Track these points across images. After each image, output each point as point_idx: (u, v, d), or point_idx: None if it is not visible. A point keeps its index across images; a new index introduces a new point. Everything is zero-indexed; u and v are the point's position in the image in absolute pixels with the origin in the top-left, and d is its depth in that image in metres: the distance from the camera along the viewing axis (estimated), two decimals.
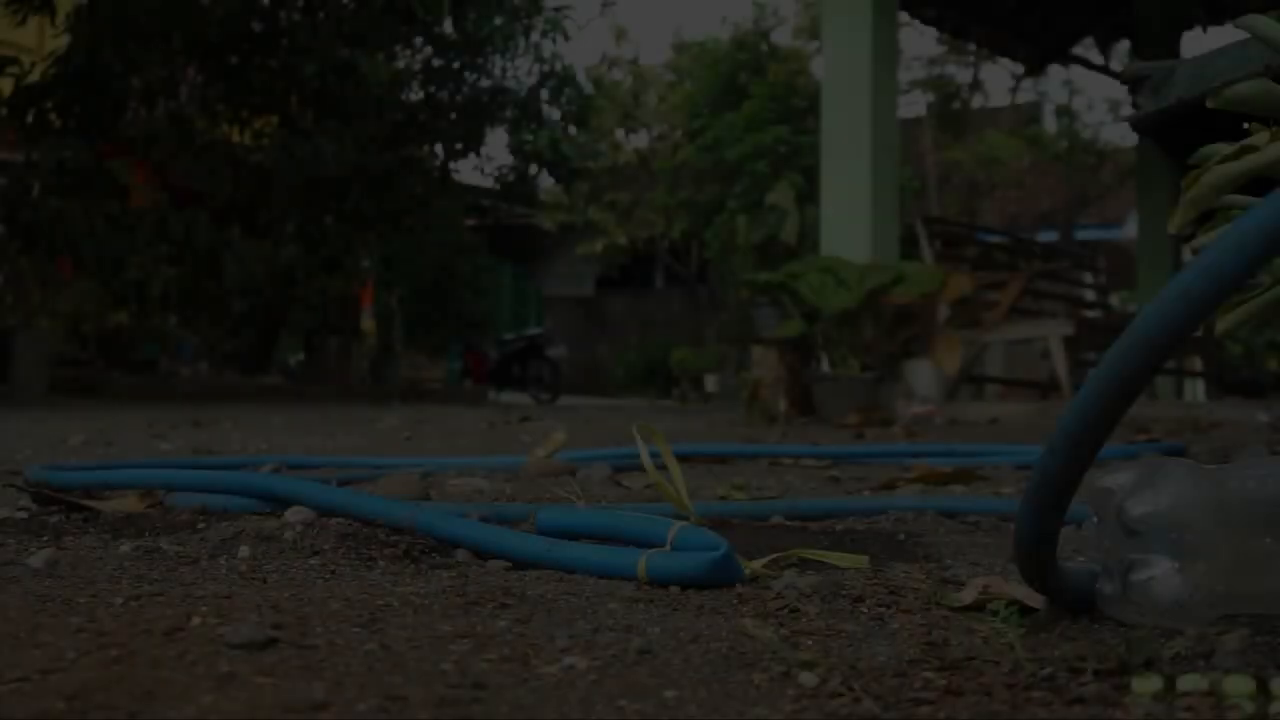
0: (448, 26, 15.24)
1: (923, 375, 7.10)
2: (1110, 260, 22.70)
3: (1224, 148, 1.59)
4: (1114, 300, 13.90)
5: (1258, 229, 0.84)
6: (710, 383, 19.60)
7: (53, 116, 11.35)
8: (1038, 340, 8.60)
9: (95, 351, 14.34)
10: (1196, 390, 11.59)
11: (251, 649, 0.97)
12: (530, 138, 16.38)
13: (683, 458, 3.31)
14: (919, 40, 32.75)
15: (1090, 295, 10.79)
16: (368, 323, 17.85)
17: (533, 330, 19.70)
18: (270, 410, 8.67)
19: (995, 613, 1.15)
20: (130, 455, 3.46)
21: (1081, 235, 24.07)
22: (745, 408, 6.88)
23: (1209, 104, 1.64)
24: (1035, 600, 1.16)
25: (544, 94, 16.38)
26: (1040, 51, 12.73)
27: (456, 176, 16.66)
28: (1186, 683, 0.87)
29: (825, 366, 7.06)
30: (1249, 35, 1.74)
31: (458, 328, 18.65)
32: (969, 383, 9.14)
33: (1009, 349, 13.80)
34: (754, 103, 18.32)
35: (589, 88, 18.89)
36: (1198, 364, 10.20)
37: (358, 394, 13.38)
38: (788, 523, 1.93)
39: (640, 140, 23.53)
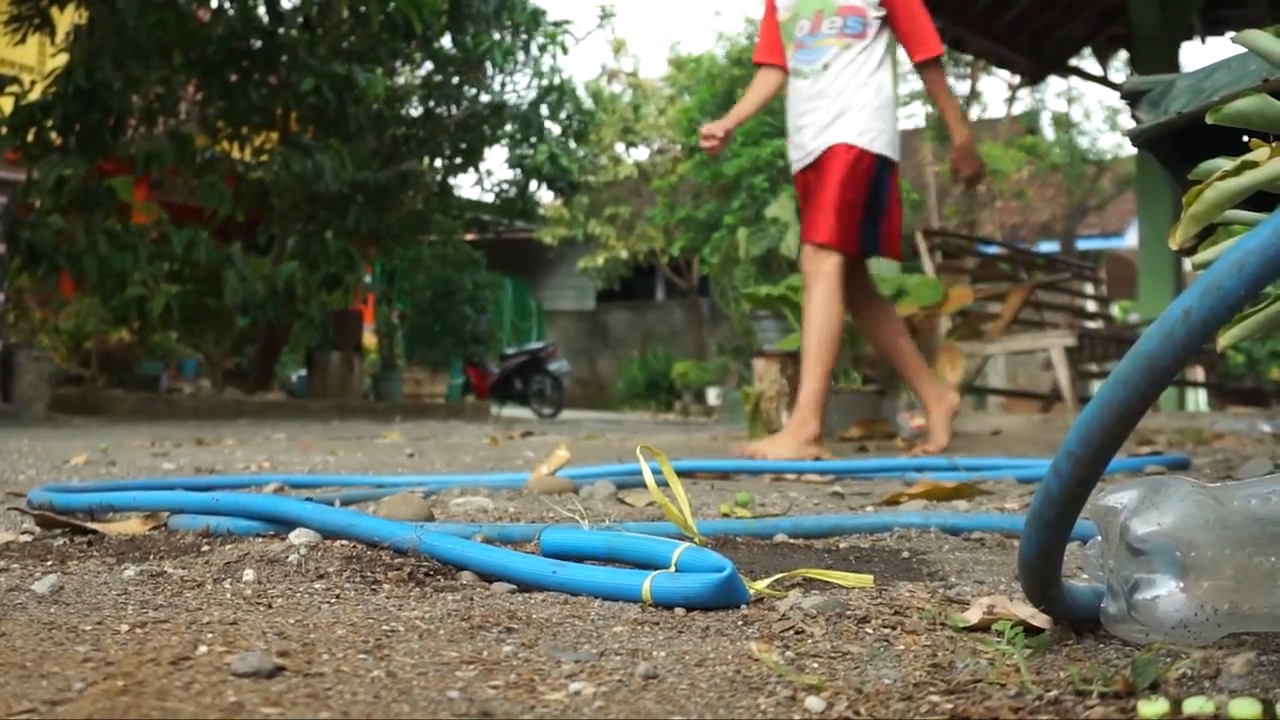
0: (447, 42, 15.28)
1: None
2: (1111, 270, 22.75)
3: (1224, 163, 1.59)
4: (1115, 310, 13.91)
5: (1258, 250, 0.84)
6: (712, 396, 19.61)
7: (53, 135, 11.37)
8: (1040, 351, 8.60)
9: (97, 369, 14.35)
10: (1199, 400, 11.59)
11: (258, 678, 0.97)
12: (530, 152, 16.41)
13: (685, 473, 3.32)
14: None
15: (1092, 306, 10.81)
16: (369, 339, 17.86)
17: (534, 345, 19.71)
18: (273, 427, 8.67)
19: (1001, 633, 1.15)
20: (133, 475, 3.46)
21: (1082, 245, 24.10)
22: (748, 421, 6.87)
23: (1208, 119, 1.64)
24: (1040, 620, 1.16)
25: (543, 108, 16.41)
26: (1038, 63, 12.75)
27: (456, 192, 16.70)
28: (1192, 705, 0.87)
29: None
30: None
31: (459, 343, 18.66)
32: (971, 394, 9.14)
33: (1011, 360, 13.82)
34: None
35: (588, 102, 18.92)
36: (1200, 374, 10.20)
37: (360, 410, 13.38)
38: (792, 541, 1.93)
39: (640, 154, 23.58)
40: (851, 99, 4.64)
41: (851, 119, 4.64)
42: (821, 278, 4.62)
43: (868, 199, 4.65)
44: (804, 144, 4.81)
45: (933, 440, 4.80)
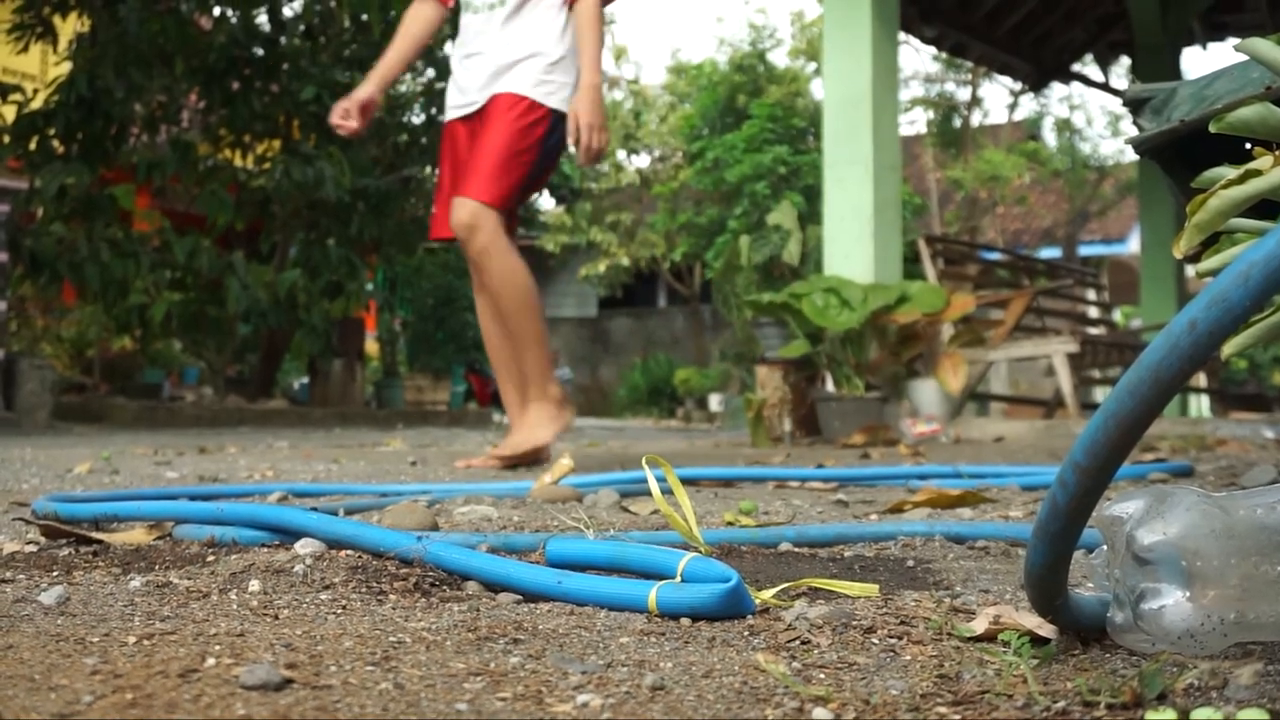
0: (448, 49, 15.31)
1: (927, 394, 7.10)
2: (1113, 276, 22.74)
3: (1228, 171, 1.59)
4: (1117, 316, 13.91)
5: (1263, 261, 0.84)
6: (714, 403, 19.61)
7: (55, 143, 11.40)
8: (1042, 358, 8.60)
9: (99, 377, 14.36)
10: (1202, 406, 11.59)
11: (267, 690, 0.97)
12: None
13: (689, 481, 3.32)
14: (916, 57, 32.77)
15: (1094, 312, 10.80)
16: (371, 346, 17.87)
17: None
18: (275, 435, 8.68)
19: (1007, 643, 1.15)
20: (136, 484, 3.46)
21: (1085, 251, 24.10)
22: (750, 428, 6.88)
23: (1211, 128, 1.65)
24: (1047, 630, 1.16)
25: None
26: (1040, 69, 12.76)
27: None
28: (1200, 716, 0.87)
29: (830, 386, 7.07)
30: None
31: (461, 350, 18.67)
32: (974, 401, 9.14)
33: (1013, 367, 13.81)
34: (754, 123, 18.37)
35: None
36: (1203, 380, 10.19)
37: (362, 417, 13.39)
38: (796, 549, 1.93)
39: (642, 161, 23.60)
40: (533, 44, 4.18)
41: (529, 67, 4.17)
42: (493, 246, 4.13)
43: (536, 159, 4.20)
44: (468, 88, 4.25)
45: (511, 441, 4.25)
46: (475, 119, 4.24)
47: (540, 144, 4.19)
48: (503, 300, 4.21)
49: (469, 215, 4.10)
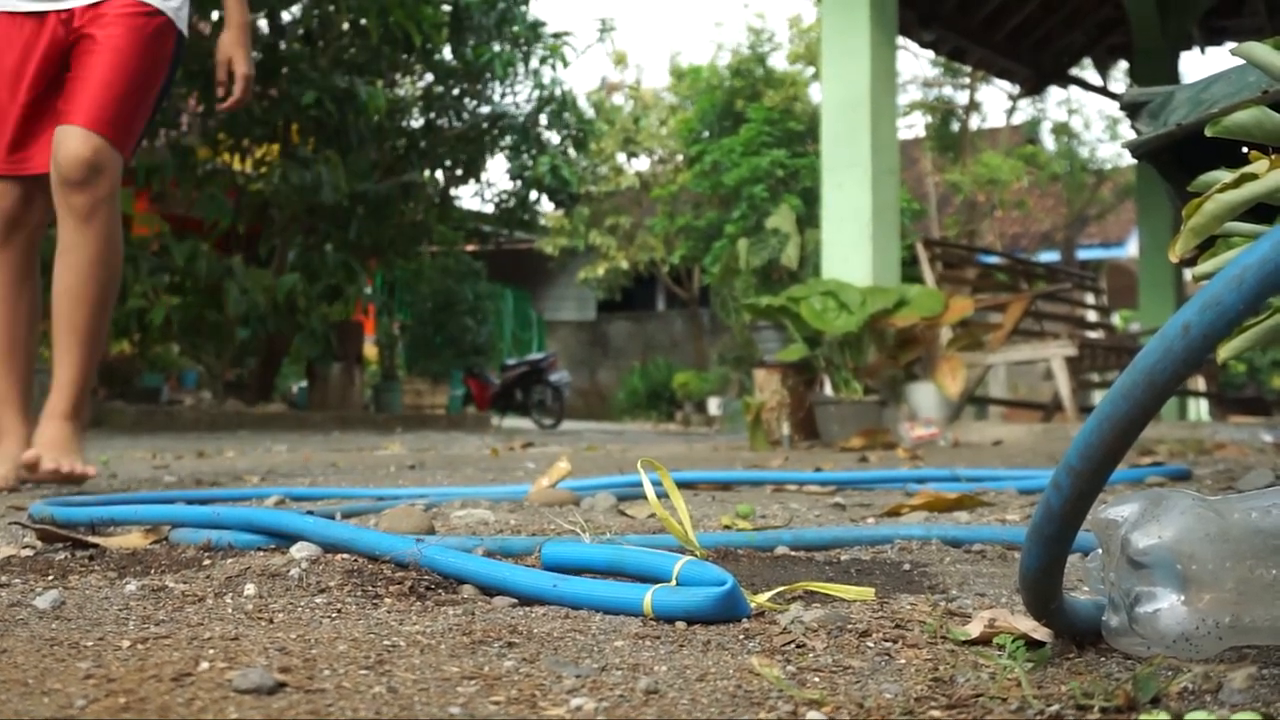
0: (447, 54, 15.32)
1: (926, 397, 7.10)
2: (1112, 280, 22.73)
3: (1224, 175, 1.59)
4: (1116, 320, 13.91)
5: (1257, 265, 0.84)
6: (713, 406, 19.62)
7: None
8: (1040, 361, 8.60)
9: (98, 382, 14.35)
10: (1200, 409, 11.59)
11: (260, 694, 0.97)
12: (530, 163, 16.43)
13: (686, 485, 3.32)
14: (915, 62, 32.85)
15: (1092, 316, 10.81)
16: (370, 350, 17.86)
17: (535, 355, 19.72)
18: (274, 439, 8.67)
19: (1002, 647, 1.15)
20: (134, 488, 3.46)
21: (1083, 255, 24.10)
22: (749, 431, 6.88)
23: (1208, 132, 1.65)
24: (1042, 634, 1.16)
25: (543, 119, 16.44)
26: (1038, 73, 12.77)
27: (457, 202, 16.71)
28: (1194, 719, 0.87)
29: (828, 390, 7.07)
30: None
31: (460, 354, 18.65)
32: (972, 404, 9.14)
33: (1012, 370, 13.81)
34: (751, 127, 18.37)
35: (590, 112, 18.94)
36: (1201, 383, 10.20)
37: (360, 421, 13.38)
38: (793, 553, 1.93)
39: (642, 164, 23.61)
40: None
41: None
42: (112, 202, 3.25)
43: (161, 92, 3.41)
44: None
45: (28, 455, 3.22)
46: (57, 25, 3.26)
47: (169, 72, 3.41)
48: (97, 276, 3.30)
49: (93, 152, 3.17)
